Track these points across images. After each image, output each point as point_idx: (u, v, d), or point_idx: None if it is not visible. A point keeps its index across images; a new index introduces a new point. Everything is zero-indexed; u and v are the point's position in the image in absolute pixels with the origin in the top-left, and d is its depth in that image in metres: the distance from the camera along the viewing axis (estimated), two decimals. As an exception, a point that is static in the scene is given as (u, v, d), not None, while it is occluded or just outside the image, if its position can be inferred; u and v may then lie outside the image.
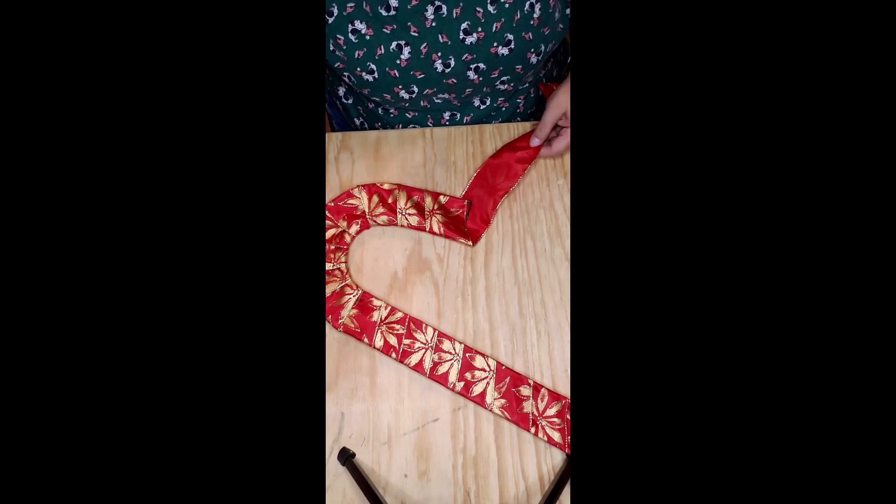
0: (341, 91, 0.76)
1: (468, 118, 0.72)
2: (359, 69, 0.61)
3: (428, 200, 0.61)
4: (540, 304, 0.56)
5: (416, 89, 0.64)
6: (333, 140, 0.67)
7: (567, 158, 0.66)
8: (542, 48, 0.63)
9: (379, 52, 0.60)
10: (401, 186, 0.62)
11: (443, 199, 0.61)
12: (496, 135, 0.68)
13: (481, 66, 0.62)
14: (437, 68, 0.62)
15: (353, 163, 0.66)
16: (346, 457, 0.47)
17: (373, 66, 0.61)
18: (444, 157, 0.66)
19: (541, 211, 0.62)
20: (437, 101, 0.67)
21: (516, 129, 0.68)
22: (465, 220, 0.60)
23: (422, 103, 0.67)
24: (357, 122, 0.78)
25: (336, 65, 0.62)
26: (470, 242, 0.59)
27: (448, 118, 0.71)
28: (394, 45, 0.59)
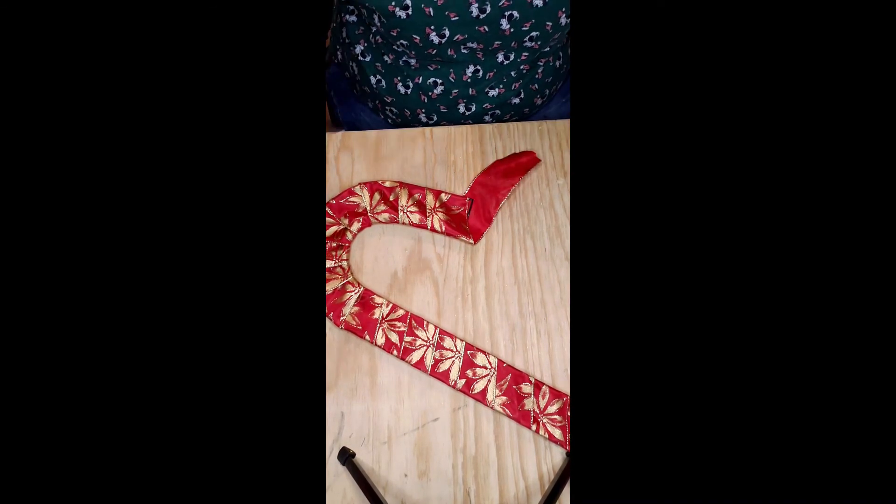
0: (359, 49, 0.75)
1: (491, 74, 0.71)
2: (393, 4, 0.61)
3: (429, 198, 0.61)
4: (540, 303, 0.56)
5: (447, 33, 0.64)
6: (333, 140, 0.67)
7: (567, 158, 0.66)
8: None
9: None
10: (402, 184, 0.62)
11: (444, 197, 0.61)
12: (496, 135, 0.68)
13: (515, 14, 0.62)
14: (472, 12, 0.61)
15: (353, 163, 0.66)
16: (346, 457, 0.47)
17: (408, 2, 0.61)
18: (444, 157, 0.66)
19: (541, 211, 0.62)
20: (464, 51, 0.67)
21: (516, 128, 0.68)
22: (466, 218, 0.60)
23: (449, 52, 0.67)
24: (373, 80, 0.76)
25: (364, 3, 0.62)
26: (471, 240, 0.59)
27: (471, 73, 0.70)
28: None
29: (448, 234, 0.60)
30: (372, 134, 0.68)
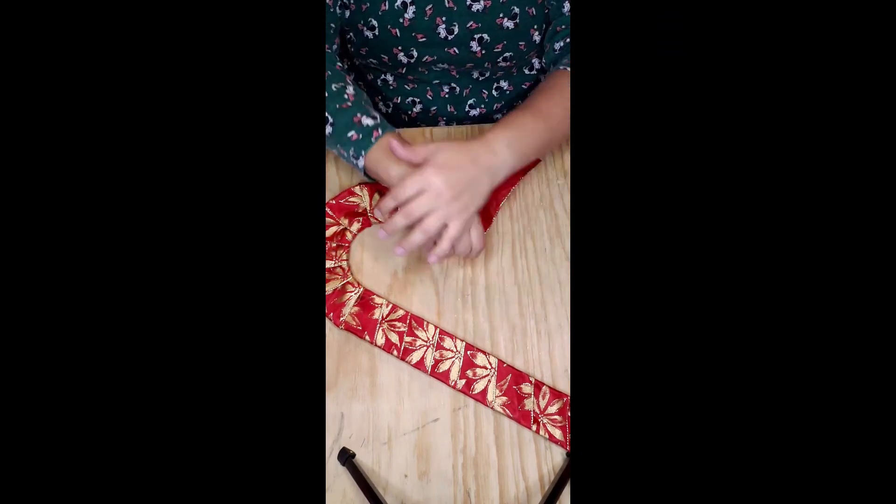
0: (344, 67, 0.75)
1: (468, 90, 0.71)
2: (361, 23, 0.61)
3: None
4: (540, 304, 0.56)
5: (415, 53, 0.64)
6: (334, 139, 0.67)
7: (567, 158, 0.66)
8: (545, 28, 0.63)
9: (383, 8, 0.59)
10: (401, 186, 0.62)
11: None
12: (496, 134, 0.68)
13: (485, 37, 0.62)
14: (439, 33, 0.61)
15: (353, 162, 0.65)
16: (346, 457, 0.47)
17: (374, 22, 0.60)
18: (445, 156, 0.66)
19: (541, 211, 0.62)
20: (435, 69, 0.66)
21: (517, 128, 0.68)
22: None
23: (420, 70, 0.66)
24: None
25: (344, 13, 0.62)
26: (470, 242, 0.59)
27: (448, 91, 0.70)
28: (399, 1, 0.59)
29: (448, 235, 0.60)
30: (372, 134, 0.68)
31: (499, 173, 0.52)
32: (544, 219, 0.61)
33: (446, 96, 0.71)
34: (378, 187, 0.62)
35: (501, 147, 0.52)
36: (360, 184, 0.62)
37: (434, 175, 0.48)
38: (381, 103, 0.74)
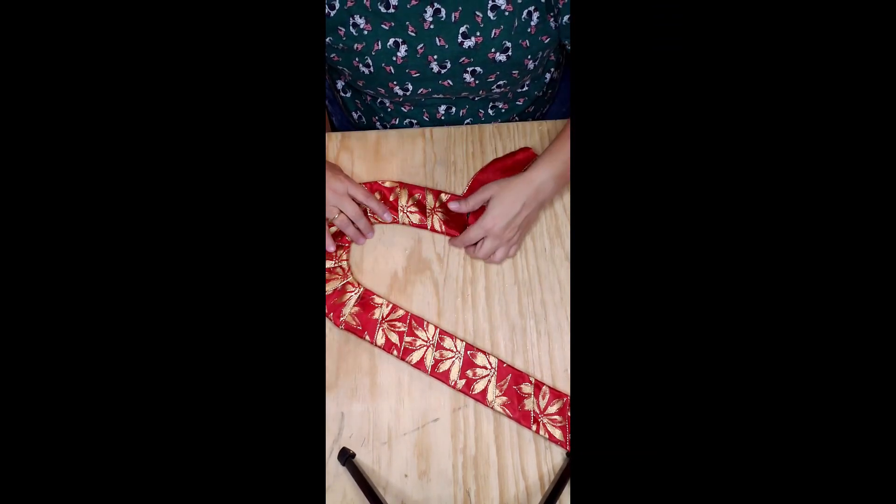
0: (340, 85, 0.76)
1: (464, 110, 0.72)
2: (356, 60, 0.62)
3: (429, 198, 0.61)
4: (540, 304, 0.56)
5: (410, 87, 0.65)
6: (333, 140, 0.67)
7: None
8: (540, 55, 0.64)
9: (376, 48, 0.60)
10: (402, 184, 0.62)
11: (444, 197, 0.61)
12: (496, 135, 0.68)
13: (478, 69, 0.63)
14: (432, 69, 0.62)
15: (353, 163, 0.66)
16: (346, 457, 0.47)
17: (369, 61, 0.61)
18: (444, 157, 0.66)
19: (541, 211, 0.62)
20: (434, 96, 0.68)
21: (516, 129, 0.68)
22: (466, 218, 0.60)
23: (416, 98, 0.68)
24: (355, 115, 0.78)
25: (332, 56, 0.63)
26: (471, 242, 0.59)
27: (444, 111, 0.71)
28: (391, 41, 0.60)
29: (448, 235, 0.60)
30: (372, 134, 0.68)
31: (546, 200, 0.59)
32: (544, 219, 0.62)
33: (442, 117, 0.72)
34: (378, 187, 0.62)
35: (547, 182, 0.57)
36: (360, 184, 0.62)
37: (492, 223, 0.56)
38: (378, 123, 0.75)
